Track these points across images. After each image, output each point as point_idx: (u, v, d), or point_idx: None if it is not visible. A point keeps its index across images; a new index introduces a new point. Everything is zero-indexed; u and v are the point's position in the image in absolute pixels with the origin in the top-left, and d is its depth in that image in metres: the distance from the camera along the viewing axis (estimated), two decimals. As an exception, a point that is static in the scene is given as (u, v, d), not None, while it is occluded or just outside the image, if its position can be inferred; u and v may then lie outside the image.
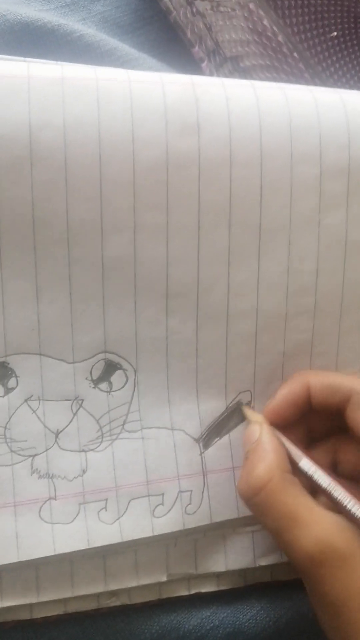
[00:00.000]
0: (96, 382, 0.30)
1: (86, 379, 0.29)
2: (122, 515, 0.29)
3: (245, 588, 0.32)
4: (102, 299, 0.29)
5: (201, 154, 0.29)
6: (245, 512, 0.31)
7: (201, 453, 0.31)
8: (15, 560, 0.27)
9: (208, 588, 0.31)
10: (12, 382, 0.28)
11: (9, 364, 0.28)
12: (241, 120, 0.30)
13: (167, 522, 0.30)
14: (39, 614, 0.28)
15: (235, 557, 0.31)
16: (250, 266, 0.31)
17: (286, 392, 0.30)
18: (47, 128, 0.27)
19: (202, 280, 0.30)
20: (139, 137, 0.28)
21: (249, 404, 0.32)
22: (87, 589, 0.29)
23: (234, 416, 0.32)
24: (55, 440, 0.29)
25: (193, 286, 0.30)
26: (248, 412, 0.31)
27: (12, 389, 0.28)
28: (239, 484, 0.28)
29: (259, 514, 0.27)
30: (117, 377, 0.30)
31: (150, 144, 0.29)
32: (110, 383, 0.30)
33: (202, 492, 0.30)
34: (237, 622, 0.32)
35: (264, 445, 0.28)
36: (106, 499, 0.29)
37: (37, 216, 0.28)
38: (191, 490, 0.30)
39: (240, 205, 0.30)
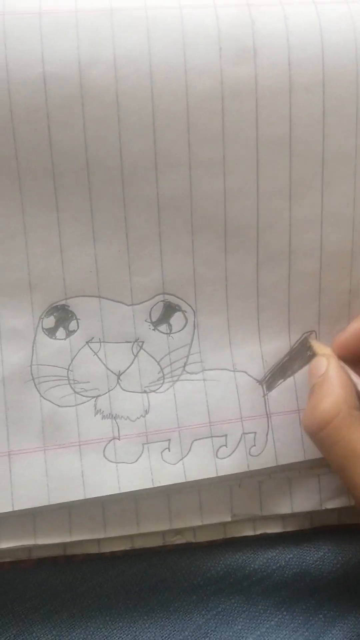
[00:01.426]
0: (156, 324, 0.28)
1: (145, 321, 0.28)
2: (185, 456, 0.27)
3: (312, 530, 0.30)
4: (159, 239, 0.27)
5: (258, 81, 0.26)
6: (312, 454, 0.28)
7: (264, 395, 0.29)
8: (81, 497, 0.26)
9: (274, 529, 0.30)
10: (73, 325, 0.27)
11: (69, 307, 0.27)
12: (302, 41, 0.26)
13: (230, 464, 0.28)
14: (106, 548, 0.28)
15: (301, 499, 0.29)
16: (314, 199, 0.28)
17: (358, 326, 0.27)
18: (98, 64, 0.25)
19: (262, 216, 0.28)
20: (192, 67, 0.26)
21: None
22: (153, 526, 0.28)
23: (299, 357, 0.29)
24: (118, 382, 0.27)
25: (253, 223, 0.28)
26: (315, 344, 0.28)
27: (74, 331, 0.27)
28: (303, 418, 0.26)
29: (323, 450, 0.25)
30: (176, 319, 0.28)
31: (203, 74, 0.26)
32: (169, 325, 0.28)
33: (267, 434, 0.28)
34: (304, 564, 0.30)
35: (331, 379, 0.26)
36: (169, 440, 0.27)
37: (91, 156, 0.26)
38: (255, 432, 0.28)
39: (302, 135, 0.27)
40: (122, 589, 0.28)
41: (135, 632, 0.28)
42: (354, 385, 0.26)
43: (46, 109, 0.25)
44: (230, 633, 0.29)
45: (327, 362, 0.26)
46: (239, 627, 0.29)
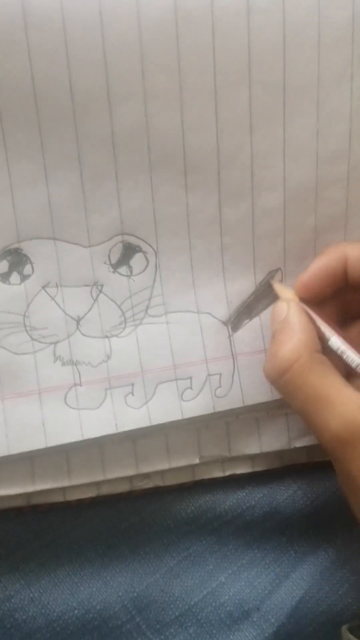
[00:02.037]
0: (115, 266, 0.26)
1: (104, 263, 0.26)
2: (149, 400, 0.26)
3: (281, 469, 0.29)
4: (115, 176, 0.25)
5: (214, 3, 0.24)
6: (279, 394, 0.27)
7: (230, 336, 0.28)
8: (43, 446, 0.25)
9: (243, 469, 0.29)
10: (27, 269, 0.25)
11: (22, 250, 0.25)
12: None
13: (196, 406, 0.27)
14: (72, 496, 0.27)
15: (269, 439, 0.29)
16: (275, 132, 0.26)
17: (320, 265, 0.26)
18: (41, -15, 0.23)
19: (223, 150, 0.26)
20: (142, -13, 0.23)
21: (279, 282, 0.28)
22: (119, 472, 0.27)
23: (264, 296, 0.28)
24: (77, 327, 0.26)
25: (213, 158, 0.26)
26: (277, 287, 0.27)
27: (28, 276, 0.25)
28: (265, 365, 0.25)
29: (286, 396, 0.24)
30: (137, 260, 0.26)
31: (155, -4, 0.24)
32: (130, 267, 0.26)
33: (232, 375, 0.27)
34: (274, 502, 0.29)
35: (292, 324, 0.24)
36: (132, 384, 0.26)
37: (39, 89, 0.24)
38: (220, 374, 0.27)
39: (261, 61, 0.25)
40: (90, 536, 0.27)
41: (105, 577, 0.27)
42: (317, 328, 0.25)
43: (-14, 37, 0.23)
44: (202, 573, 0.28)
45: (287, 307, 0.25)
46: (211, 567, 0.29)
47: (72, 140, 0.25)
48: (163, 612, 0.28)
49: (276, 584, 0.29)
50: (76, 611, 0.26)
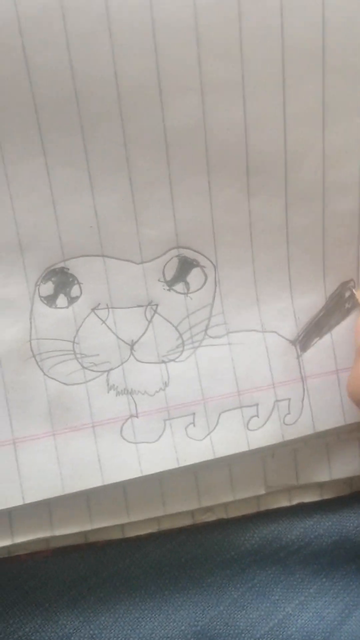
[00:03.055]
0: (171, 284, 0.23)
1: (159, 280, 0.22)
2: (212, 430, 0.23)
3: (351, 495, 0.26)
4: (169, 182, 0.21)
5: (283, -27, 0.19)
6: (354, 418, 0.24)
7: (298, 356, 0.24)
8: (99, 484, 0.22)
9: (311, 498, 0.25)
10: (75, 290, 0.22)
11: (69, 269, 0.22)
12: None
13: (264, 435, 0.23)
14: (131, 532, 0.24)
15: (340, 465, 0.25)
16: (352, 124, 0.22)
17: None
18: None
19: (291, 148, 0.22)
20: None
21: (352, 296, 0.24)
22: (180, 506, 0.24)
23: (336, 310, 0.24)
24: (131, 352, 0.22)
25: (279, 157, 0.22)
26: None
27: (76, 297, 0.22)
28: (349, 384, 0.21)
29: None
30: (194, 276, 0.23)
31: (214, -33, 0.19)
32: (187, 283, 0.23)
33: (302, 400, 0.24)
34: (343, 530, 0.26)
35: None
36: (194, 413, 0.23)
37: (80, 83, 0.20)
38: (289, 399, 0.24)
39: (338, 43, 0.20)
40: (150, 570, 0.25)
41: (167, 611, 0.25)
42: None
43: (18, 26, 0.19)
44: (268, 604, 0.26)
45: None
46: (277, 597, 0.26)
47: (119, 142, 0.21)
48: (228, 646, 0.25)
49: (346, 614, 0.26)
50: (137, 648, 0.24)
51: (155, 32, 0.19)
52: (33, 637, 0.23)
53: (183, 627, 0.25)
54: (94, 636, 0.24)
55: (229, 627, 0.25)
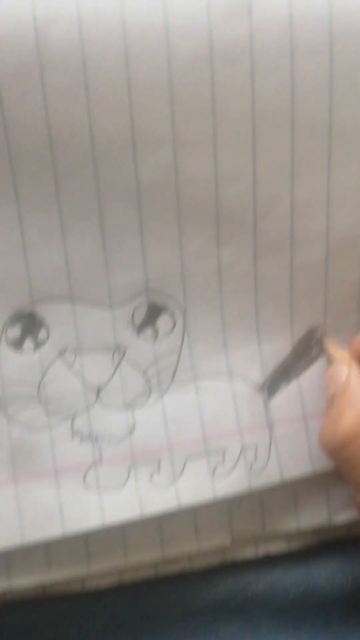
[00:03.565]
0: (139, 329, 0.24)
1: (128, 325, 0.23)
2: (178, 478, 0.24)
3: (319, 545, 0.27)
4: (140, 230, 0.23)
5: (254, 41, 0.21)
6: (322, 466, 0.25)
7: (266, 402, 0.25)
8: (59, 533, 0.22)
9: (278, 548, 0.26)
10: (42, 334, 0.23)
11: (37, 313, 0.23)
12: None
13: (230, 484, 0.24)
14: (91, 584, 0.24)
15: (307, 515, 0.26)
16: (319, 180, 0.23)
17: None
18: (58, 21, 0.20)
19: (260, 200, 0.23)
20: (174, 25, 0.21)
21: (318, 341, 0.25)
22: (143, 556, 0.24)
23: (303, 356, 0.25)
24: (97, 398, 0.23)
25: (249, 208, 0.23)
26: (331, 347, 0.24)
27: (43, 341, 0.23)
28: (321, 433, 0.22)
29: (345, 469, 0.21)
30: (163, 322, 0.24)
31: (188, 34, 0.21)
32: (155, 329, 0.24)
33: (270, 447, 0.25)
34: (311, 582, 0.27)
35: (354, 389, 0.22)
36: (159, 461, 0.24)
37: (55, 135, 0.21)
38: (256, 445, 0.25)
39: (306, 105, 0.22)
40: (109, 623, 0.25)
41: (127, 667, 0.25)
42: None
43: (-4, 78, 0.20)
44: (232, 660, 0.26)
45: (347, 369, 0.22)
46: (241, 652, 0.26)
47: (92, 190, 0.22)
48: None
49: (313, 671, 0.26)
50: None
51: (131, 89, 0.21)
52: None
53: None
54: None
55: None
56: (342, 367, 0.23)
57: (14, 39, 0.20)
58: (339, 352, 0.24)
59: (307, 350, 0.25)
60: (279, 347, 0.25)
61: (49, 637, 0.24)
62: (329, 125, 0.23)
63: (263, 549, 0.26)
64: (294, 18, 0.21)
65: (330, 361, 0.24)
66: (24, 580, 0.23)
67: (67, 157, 0.21)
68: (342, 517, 0.26)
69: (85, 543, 0.24)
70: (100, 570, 0.24)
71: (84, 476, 0.23)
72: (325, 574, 0.27)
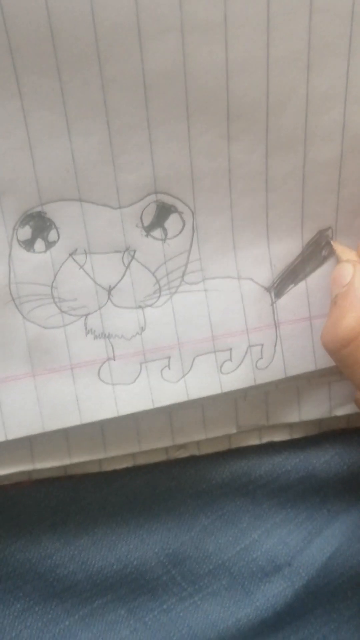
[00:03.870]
0: (148, 229, 0.24)
1: (137, 226, 0.24)
2: (187, 373, 0.25)
3: (319, 434, 0.29)
4: (147, 126, 0.22)
5: None
6: (324, 363, 0.26)
7: (273, 303, 0.26)
8: (77, 423, 0.24)
9: (280, 437, 0.29)
10: (52, 235, 0.23)
11: (46, 213, 0.23)
12: None
13: (236, 378, 0.26)
14: (108, 467, 0.27)
15: (309, 407, 0.28)
16: (338, 69, 0.22)
17: None
18: None
19: (273, 92, 0.23)
20: None
21: (328, 242, 0.26)
22: (155, 443, 0.27)
23: (312, 258, 0.26)
24: (109, 297, 0.24)
25: (261, 101, 0.23)
26: (338, 248, 0.25)
27: (54, 242, 0.24)
28: (323, 333, 0.23)
29: (345, 368, 0.23)
30: (172, 222, 0.24)
31: None
32: (164, 229, 0.24)
33: (275, 345, 0.26)
34: (310, 467, 0.29)
35: (357, 290, 0.23)
36: (169, 357, 0.25)
37: (56, 24, 0.20)
38: (262, 344, 0.26)
39: (326, -20, 0.21)
40: (126, 499, 0.28)
41: (142, 535, 0.28)
42: None
43: None
44: (236, 531, 0.29)
45: (352, 270, 0.23)
46: (244, 525, 0.29)
47: (96, 84, 0.21)
48: (197, 566, 0.29)
49: (308, 541, 0.30)
50: (114, 566, 0.28)
51: (134, -33, 0.20)
52: (18, 556, 0.27)
53: (156, 550, 0.28)
54: (74, 557, 0.28)
55: (198, 550, 0.29)
56: (348, 267, 0.23)
57: None
58: (346, 253, 0.24)
59: (316, 252, 0.26)
60: (288, 249, 0.26)
61: (72, 511, 0.28)
62: (352, 5, 0.21)
63: (266, 438, 0.28)
64: None
65: (337, 262, 0.25)
66: (47, 464, 0.26)
67: (70, 48, 0.21)
68: (343, 410, 0.28)
69: (101, 431, 0.26)
70: (115, 454, 0.26)
71: (98, 371, 0.25)
72: (324, 460, 0.29)
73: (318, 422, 0.29)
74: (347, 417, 0.29)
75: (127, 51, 0.21)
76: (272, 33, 0.21)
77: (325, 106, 0.23)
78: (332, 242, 0.25)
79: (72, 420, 0.25)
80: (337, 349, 0.22)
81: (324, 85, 0.23)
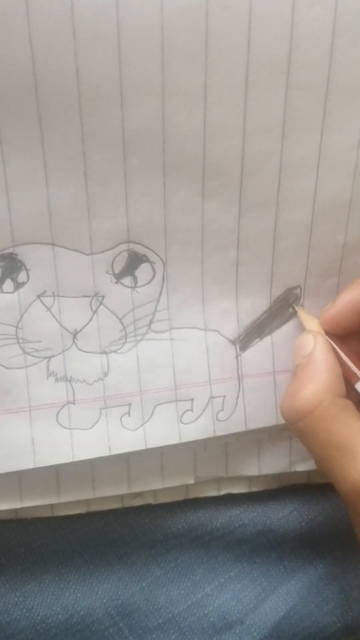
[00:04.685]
0: (118, 277, 0.26)
1: (107, 272, 0.26)
2: (146, 421, 0.27)
3: (279, 488, 0.31)
4: (124, 179, 0.25)
5: (254, -16, 0.22)
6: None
7: (237, 355, 0.28)
8: (31, 466, 0.26)
9: (239, 489, 0.30)
10: (22, 276, 0.26)
11: (17, 255, 0.25)
12: None
13: (196, 429, 0.28)
14: (60, 512, 0.29)
15: (269, 461, 0.30)
16: (311, 139, 0.25)
17: (350, 298, 0.26)
18: None
19: (248, 156, 0.25)
20: None
21: (297, 301, 0.28)
22: (110, 490, 0.28)
23: (278, 314, 0.28)
24: (73, 341, 0.26)
25: (237, 164, 0.25)
26: (303, 315, 0.27)
27: (23, 283, 0.26)
28: (282, 404, 0.25)
29: (302, 439, 0.25)
30: (142, 271, 0.26)
31: (184, -28, 0.22)
32: (134, 277, 0.26)
33: (237, 398, 0.28)
34: (268, 521, 0.31)
35: (317, 362, 0.25)
36: (129, 404, 0.27)
37: (40, 77, 0.22)
38: (224, 396, 0.28)
39: (304, 59, 0.24)
40: (77, 545, 0.30)
41: (91, 584, 0.30)
42: (344, 363, 0.25)
43: (-18, 14, 0.21)
44: (188, 584, 0.31)
45: (313, 342, 0.25)
46: (197, 577, 0.31)
47: (77, 136, 0.24)
48: (146, 619, 0.30)
49: (262, 598, 0.31)
50: (60, 615, 0.29)
51: (120, 33, 0.22)
52: None
53: (105, 600, 0.30)
54: (18, 603, 0.29)
55: (148, 603, 0.30)
56: (309, 338, 0.25)
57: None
58: (308, 321, 0.27)
59: (283, 309, 0.28)
60: (256, 304, 0.28)
61: (20, 555, 0.29)
62: (327, 83, 0.24)
63: (225, 489, 0.30)
64: None
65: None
66: (-3, 505, 0.27)
67: (53, 101, 0.23)
68: (303, 465, 0.30)
69: (55, 475, 0.28)
70: (69, 500, 0.28)
71: (57, 414, 0.27)
72: (283, 515, 0.31)
73: (278, 476, 0.31)
74: (307, 472, 0.31)
75: (109, 109, 0.23)
76: (249, 103, 0.24)
77: (298, 173, 0.26)
78: (297, 309, 0.28)
79: (25, 463, 0.26)
80: (294, 421, 0.24)
81: (297, 154, 0.25)
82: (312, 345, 0.25)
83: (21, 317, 0.26)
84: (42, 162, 0.24)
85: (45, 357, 0.26)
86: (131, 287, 0.26)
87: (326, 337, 0.26)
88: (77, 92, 0.23)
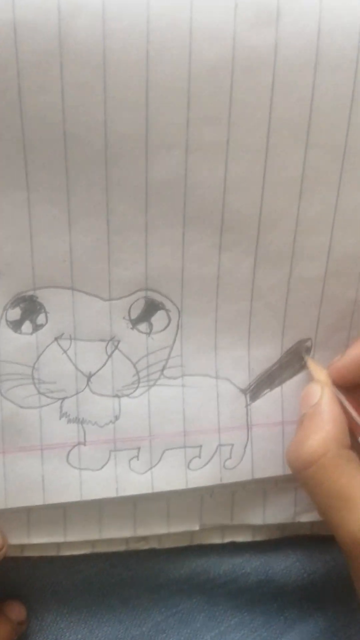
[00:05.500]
0: (135, 323, 0.25)
1: (124, 318, 0.25)
2: (154, 466, 0.26)
3: (282, 539, 0.30)
4: (145, 229, 0.24)
5: (278, 51, 0.22)
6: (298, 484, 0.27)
7: (247, 405, 0.27)
8: (40, 502, 0.25)
9: (243, 538, 0.29)
10: (41, 319, 0.25)
11: (37, 298, 0.24)
12: (337, 5, 0.22)
13: (203, 476, 0.26)
14: (66, 551, 0.27)
15: (274, 511, 0.28)
16: (327, 198, 0.24)
17: (358, 352, 0.25)
18: (82, 13, 0.21)
19: (266, 212, 0.24)
20: (198, 27, 0.21)
21: (308, 352, 0.27)
22: (116, 532, 0.27)
23: (289, 366, 0.27)
24: (87, 384, 0.25)
25: (254, 219, 0.24)
26: (312, 366, 0.26)
27: (41, 325, 0.25)
28: (288, 451, 0.24)
29: (306, 488, 0.23)
30: (158, 318, 0.25)
31: (212, 38, 0.21)
32: (150, 324, 0.25)
33: (245, 447, 0.27)
34: (270, 571, 0.29)
35: (323, 413, 0.24)
36: (139, 448, 0.26)
37: (70, 128, 0.22)
38: (232, 444, 0.27)
39: (323, 121, 0.23)
40: (80, 586, 0.28)
41: (92, 626, 0.28)
42: (350, 415, 0.24)
43: (16, 66, 0.21)
44: (188, 631, 0.29)
45: (320, 392, 0.24)
46: (198, 625, 0.29)
47: (101, 186, 0.23)
48: (144, 666, 0.29)
49: (262, 649, 0.30)
50: (59, 657, 0.27)
51: (149, 89, 0.22)
52: None
53: (105, 643, 0.28)
54: (18, 642, 0.27)
55: (148, 648, 0.28)
56: (316, 389, 0.24)
57: (37, 28, 0.21)
58: (317, 372, 0.26)
59: (294, 361, 0.27)
60: (267, 354, 0.27)
61: (23, 594, 0.27)
62: (344, 144, 0.24)
63: (229, 537, 0.29)
64: (322, 31, 0.22)
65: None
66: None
67: (80, 151, 0.22)
68: (307, 516, 0.28)
69: (63, 514, 0.26)
70: (75, 540, 0.27)
71: (68, 454, 0.25)
72: (285, 565, 0.29)
73: (281, 526, 0.29)
74: (311, 524, 0.29)
75: (134, 159, 0.23)
76: (269, 160, 0.23)
77: (313, 229, 0.25)
78: (307, 359, 0.26)
79: (35, 499, 0.25)
80: (300, 470, 0.23)
81: (313, 210, 0.24)
82: (319, 395, 0.24)
83: (38, 358, 0.25)
84: (66, 209, 0.23)
85: (59, 398, 0.25)
86: (146, 333, 0.25)
87: (333, 387, 0.25)
88: (104, 143, 0.22)
